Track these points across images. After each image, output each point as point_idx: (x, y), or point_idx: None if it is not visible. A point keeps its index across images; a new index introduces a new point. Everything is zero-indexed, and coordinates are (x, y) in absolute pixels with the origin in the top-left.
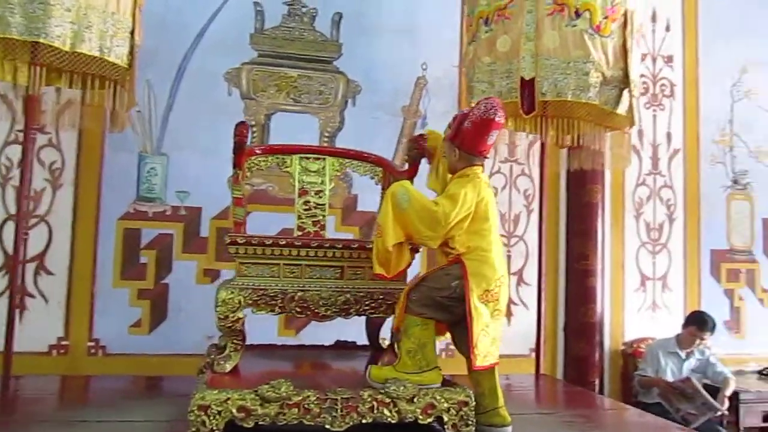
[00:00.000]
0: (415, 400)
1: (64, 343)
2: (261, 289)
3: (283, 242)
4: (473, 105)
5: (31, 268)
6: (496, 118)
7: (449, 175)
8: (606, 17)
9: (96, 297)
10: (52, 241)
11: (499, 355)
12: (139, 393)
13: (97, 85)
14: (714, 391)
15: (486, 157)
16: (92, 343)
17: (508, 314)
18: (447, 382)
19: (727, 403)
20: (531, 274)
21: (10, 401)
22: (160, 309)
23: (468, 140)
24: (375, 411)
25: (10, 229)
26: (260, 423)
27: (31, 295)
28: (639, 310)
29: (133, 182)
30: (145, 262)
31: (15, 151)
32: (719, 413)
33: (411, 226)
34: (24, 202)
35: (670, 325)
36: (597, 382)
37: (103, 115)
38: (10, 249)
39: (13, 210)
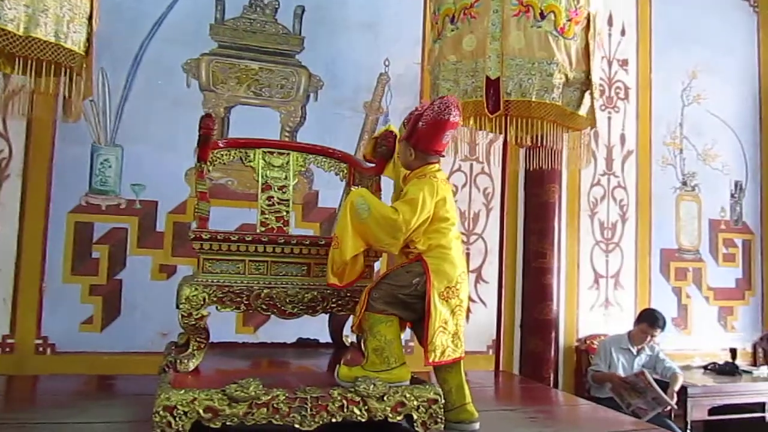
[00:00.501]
0: (385, 398)
1: (9, 341)
2: (226, 286)
3: (249, 238)
4: (426, 104)
5: None
6: (451, 118)
7: (404, 171)
8: (570, 19)
9: (45, 293)
10: None
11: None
12: (93, 393)
13: (53, 73)
14: (662, 386)
15: (441, 155)
16: (40, 341)
17: (467, 312)
18: (416, 380)
19: (675, 398)
20: (489, 272)
21: None
22: (113, 306)
23: (423, 140)
24: (345, 410)
25: None
26: (228, 423)
27: None
28: (592, 307)
29: (85, 174)
30: (97, 257)
31: None
32: (668, 407)
33: (371, 235)
34: None
35: (621, 321)
36: (552, 377)
37: (55, 104)
38: None
39: None
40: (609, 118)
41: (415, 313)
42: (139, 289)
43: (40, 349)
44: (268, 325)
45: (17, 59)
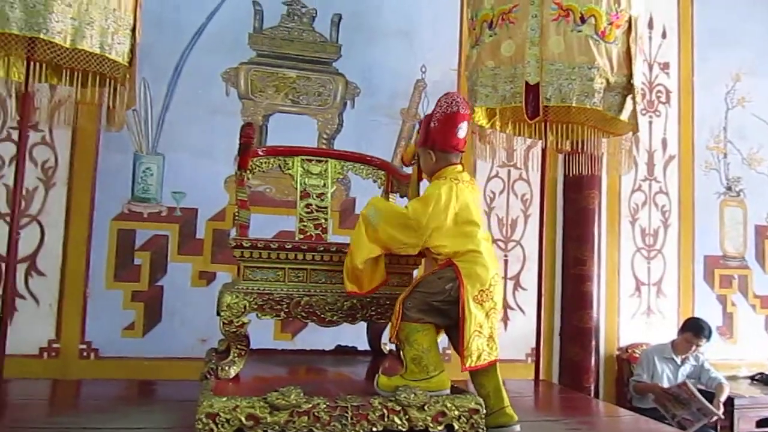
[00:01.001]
0: (425, 407)
1: (55, 345)
2: (266, 294)
3: (289, 246)
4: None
5: (22, 268)
6: (461, 110)
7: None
8: (611, 23)
9: (88, 299)
10: (44, 241)
11: (496, 353)
12: (134, 398)
13: (97, 83)
14: (707, 396)
15: (461, 151)
16: (84, 346)
17: (505, 319)
18: (457, 390)
19: (722, 409)
20: (527, 279)
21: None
22: (154, 312)
23: (439, 139)
24: (385, 419)
25: (0, 228)
26: (269, 431)
27: (22, 297)
28: (634, 315)
29: (127, 182)
30: (139, 263)
31: (6, 149)
32: (715, 418)
33: (386, 237)
34: (17, 201)
35: (664, 330)
36: (592, 387)
37: (98, 114)
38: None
39: (4, 209)
40: (650, 123)
41: (450, 319)
42: (180, 295)
43: (84, 353)
44: (305, 331)
45: (64, 70)
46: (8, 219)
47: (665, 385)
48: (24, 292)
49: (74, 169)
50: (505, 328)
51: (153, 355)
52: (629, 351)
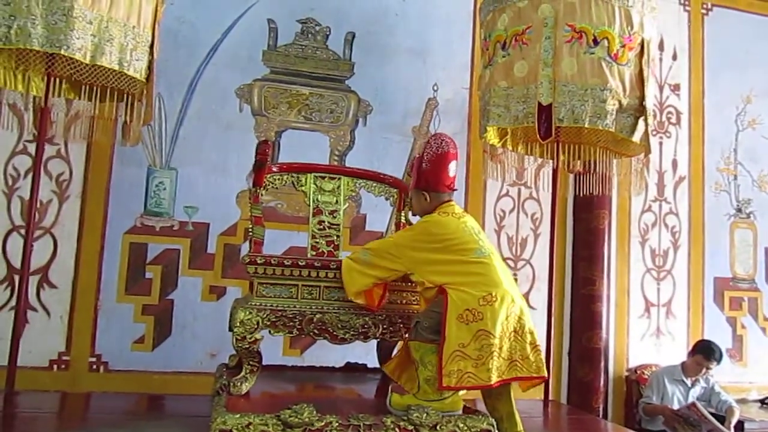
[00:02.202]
0: (438, 427)
1: (65, 358)
2: (279, 311)
3: (303, 263)
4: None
5: (34, 281)
6: (451, 150)
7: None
8: (623, 45)
9: (99, 312)
10: (56, 253)
11: (496, 379)
12: (144, 412)
13: (115, 98)
14: (718, 420)
15: (453, 190)
16: (94, 359)
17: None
18: (469, 410)
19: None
20: (537, 299)
21: (9, 419)
22: (165, 326)
23: (432, 179)
24: None
25: (13, 240)
26: None
27: (33, 309)
28: (643, 336)
29: (140, 196)
30: (150, 277)
31: (22, 162)
32: None
33: (378, 269)
34: (33, 214)
35: (673, 352)
36: (601, 408)
37: (114, 129)
38: (13, 261)
39: (18, 221)
40: (660, 144)
41: None
42: (190, 309)
43: (94, 366)
44: (314, 347)
45: (83, 86)
46: (23, 231)
47: (675, 407)
48: (36, 304)
49: (88, 182)
50: None
51: (162, 369)
52: (638, 372)
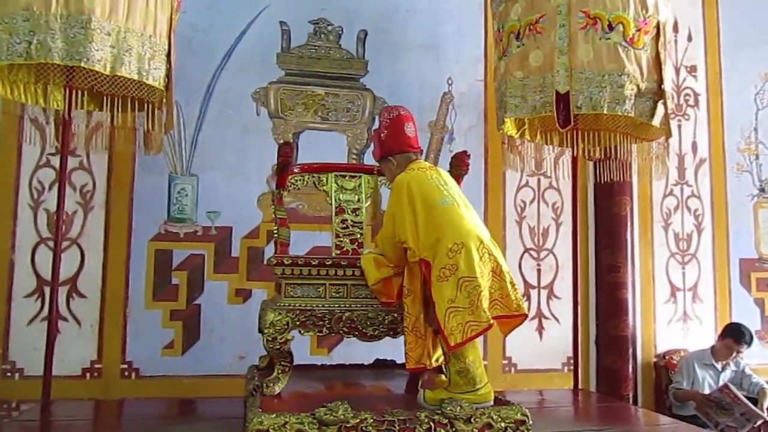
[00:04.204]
0: (472, 420)
1: (97, 366)
2: (308, 310)
3: (329, 262)
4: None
5: (63, 291)
6: (402, 112)
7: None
8: (639, 29)
9: (128, 319)
10: (84, 263)
11: (487, 319)
12: (176, 417)
13: (135, 108)
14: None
15: (418, 149)
16: (125, 366)
17: (539, 329)
18: (502, 401)
19: (767, 412)
20: (561, 288)
21: (45, 427)
22: (193, 330)
23: (394, 143)
24: None
25: (41, 252)
26: None
27: (65, 319)
28: (670, 321)
29: (163, 203)
30: (176, 283)
31: (46, 175)
32: (760, 422)
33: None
34: (60, 225)
35: (702, 336)
36: (630, 395)
37: (134, 138)
38: (42, 272)
39: (45, 233)
40: (679, 126)
41: None
42: (217, 313)
43: (126, 373)
44: (341, 346)
45: (104, 97)
46: (50, 243)
47: (706, 391)
48: (66, 314)
49: (111, 192)
50: (540, 338)
51: (192, 372)
52: (667, 358)
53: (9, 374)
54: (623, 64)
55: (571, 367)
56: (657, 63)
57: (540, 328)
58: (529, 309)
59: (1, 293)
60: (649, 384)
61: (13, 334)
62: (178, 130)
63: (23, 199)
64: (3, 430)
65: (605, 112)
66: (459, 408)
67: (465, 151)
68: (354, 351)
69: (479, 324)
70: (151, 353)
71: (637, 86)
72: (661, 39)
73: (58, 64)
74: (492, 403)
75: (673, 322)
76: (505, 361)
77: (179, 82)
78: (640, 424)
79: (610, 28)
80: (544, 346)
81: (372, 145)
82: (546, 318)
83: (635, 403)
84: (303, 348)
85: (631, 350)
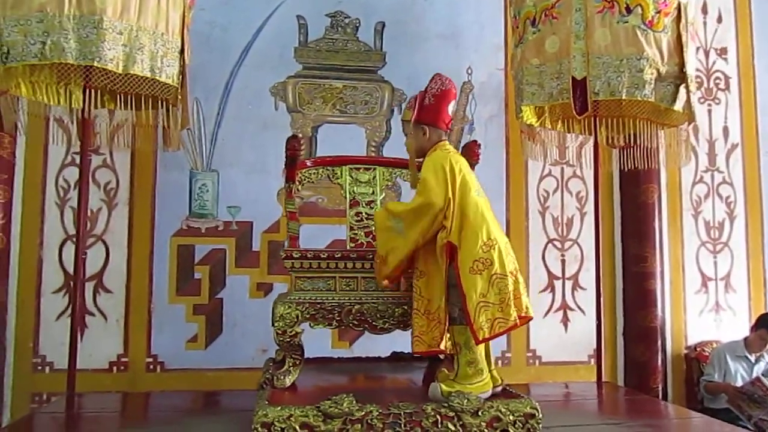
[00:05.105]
0: (479, 413)
1: (123, 360)
2: (318, 303)
3: (339, 255)
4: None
5: (90, 286)
6: (453, 89)
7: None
8: (658, 11)
9: (153, 314)
10: (109, 260)
11: (514, 318)
12: (200, 409)
13: (150, 106)
14: None
15: (450, 130)
16: (150, 359)
17: (564, 320)
18: (510, 393)
19: None
20: (587, 279)
21: (74, 419)
22: (215, 324)
23: (433, 114)
24: (439, 425)
25: (69, 249)
26: None
27: (91, 314)
28: (701, 312)
29: (185, 199)
30: (199, 277)
31: (72, 174)
32: None
33: (417, 233)
34: (82, 222)
35: (735, 327)
36: (660, 388)
37: (155, 135)
38: (69, 269)
39: (71, 231)
40: (709, 111)
41: None
42: (239, 307)
43: (151, 367)
44: (363, 339)
45: (118, 95)
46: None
47: (738, 384)
48: (93, 309)
49: (134, 189)
50: (566, 330)
51: (216, 366)
52: (698, 350)
53: (39, 368)
54: (642, 47)
55: (596, 359)
56: (678, 46)
57: (565, 320)
58: (553, 300)
59: (31, 289)
60: (679, 377)
61: (43, 329)
62: (197, 127)
63: (50, 197)
64: (35, 422)
65: (624, 97)
66: (466, 401)
67: (475, 141)
68: (376, 344)
69: (507, 322)
70: (176, 347)
71: (657, 70)
72: (683, 21)
73: (76, 65)
74: (490, 392)
75: (705, 312)
76: (530, 354)
77: (198, 79)
78: (664, 417)
79: (628, 11)
80: (570, 338)
81: (388, 135)
82: (571, 309)
83: (665, 395)
84: (325, 341)
85: (660, 342)
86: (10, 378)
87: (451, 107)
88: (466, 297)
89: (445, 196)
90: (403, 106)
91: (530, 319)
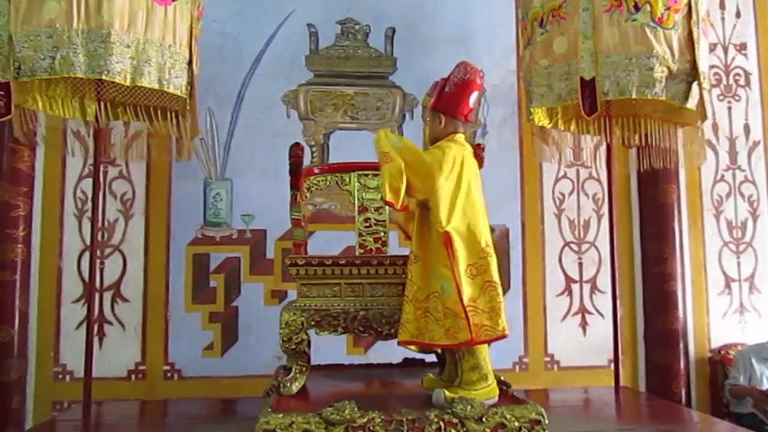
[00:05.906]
0: (483, 419)
1: (141, 367)
2: (323, 310)
3: (343, 261)
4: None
5: (108, 296)
6: (477, 79)
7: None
8: (668, 8)
9: (169, 322)
10: (126, 269)
11: (502, 329)
12: (216, 417)
13: (160, 116)
14: None
15: (469, 121)
16: (168, 367)
17: (583, 324)
18: (515, 399)
19: None
20: (605, 282)
21: (93, 427)
22: (231, 331)
23: (452, 104)
24: None
25: (86, 259)
26: None
27: (110, 322)
28: (725, 314)
29: (199, 208)
30: (214, 285)
31: (89, 185)
32: None
33: (413, 166)
34: (97, 233)
35: (760, 329)
36: (683, 392)
37: (169, 145)
38: (87, 278)
39: (89, 241)
40: (729, 108)
41: None
42: (254, 314)
43: (168, 374)
44: (378, 345)
45: (128, 107)
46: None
47: (765, 387)
48: (111, 318)
49: (150, 199)
50: (584, 334)
51: (232, 373)
52: (722, 353)
53: (60, 376)
54: (651, 45)
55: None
56: (690, 42)
57: (583, 324)
58: (570, 304)
59: (51, 299)
60: (703, 380)
61: (63, 338)
62: (211, 136)
63: (68, 208)
64: (55, 430)
65: (634, 96)
66: (470, 407)
67: (479, 145)
68: (392, 351)
69: (494, 331)
70: (192, 355)
71: (668, 68)
72: (694, 17)
73: (88, 79)
74: (497, 398)
75: (729, 314)
76: (548, 358)
77: (211, 88)
78: (682, 423)
79: (636, 8)
80: (588, 342)
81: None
82: (589, 313)
83: (688, 400)
84: (340, 347)
85: (682, 345)
86: (32, 386)
87: (473, 98)
88: (462, 294)
89: (440, 183)
90: (415, 112)
91: (506, 336)
